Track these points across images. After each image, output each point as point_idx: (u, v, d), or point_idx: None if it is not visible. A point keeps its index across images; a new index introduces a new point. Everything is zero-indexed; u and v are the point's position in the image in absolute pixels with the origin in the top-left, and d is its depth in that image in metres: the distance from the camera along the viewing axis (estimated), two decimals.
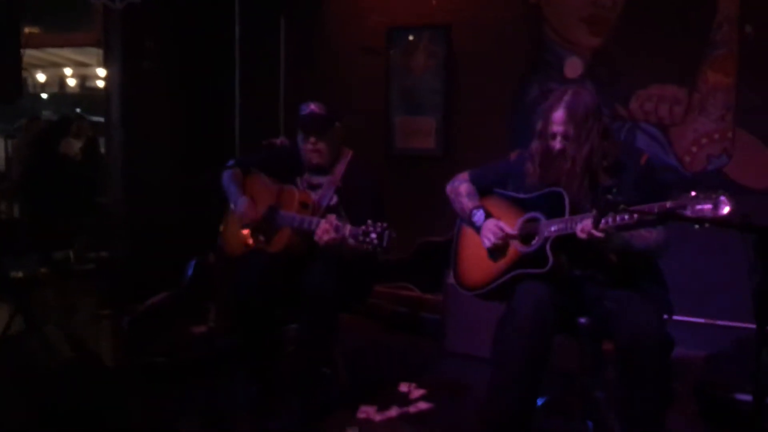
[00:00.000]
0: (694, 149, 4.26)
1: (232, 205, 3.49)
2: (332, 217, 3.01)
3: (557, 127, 2.71)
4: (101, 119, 7.07)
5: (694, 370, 3.50)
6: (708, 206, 2.15)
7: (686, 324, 3.88)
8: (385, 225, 2.78)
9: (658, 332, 2.50)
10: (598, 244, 2.57)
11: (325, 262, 3.15)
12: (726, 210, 2.14)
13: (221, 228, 3.62)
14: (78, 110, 8.58)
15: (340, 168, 3.38)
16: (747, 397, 3.10)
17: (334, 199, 3.32)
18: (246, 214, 3.35)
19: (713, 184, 4.14)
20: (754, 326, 3.85)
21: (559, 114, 2.70)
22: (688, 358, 3.61)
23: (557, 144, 2.73)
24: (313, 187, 3.39)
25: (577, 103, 2.70)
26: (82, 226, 6.08)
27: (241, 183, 3.52)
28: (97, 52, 6.02)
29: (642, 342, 2.48)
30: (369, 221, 2.81)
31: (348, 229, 2.88)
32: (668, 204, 2.29)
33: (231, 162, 3.58)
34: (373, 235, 2.76)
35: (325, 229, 2.98)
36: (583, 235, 2.54)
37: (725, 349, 3.69)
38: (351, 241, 2.89)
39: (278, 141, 3.46)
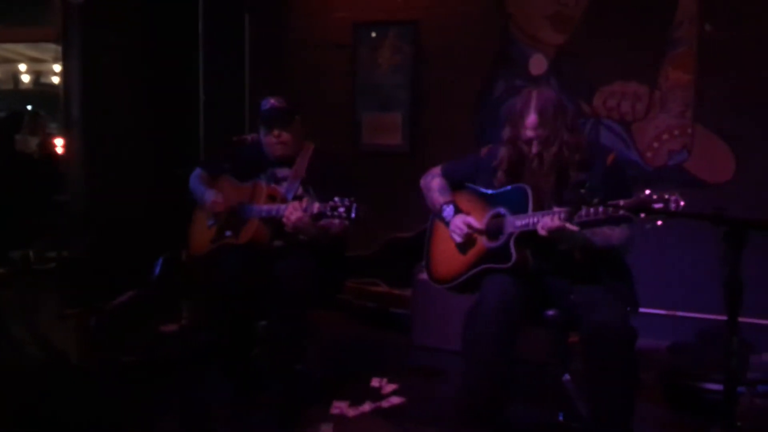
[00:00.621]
0: (656, 145, 4.37)
1: (200, 201, 3.48)
2: (298, 202, 3.05)
3: (531, 132, 2.74)
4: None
5: (658, 359, 3.59)
6: (660, 206, 2.18)
7: (650, 315, 3.99)
8: (352, 199, 2.82)
9: (621, 325, 2.56)
10: (560, 242, 2.62)
11: (298, 257, 3.17)
12: (678, 207, 2.16)
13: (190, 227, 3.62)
14: (29, 107, 8.38)
15: (304, 160, 3.42)
16: (711, 385, 3.21)
17: (300, 190, 3.35)
18: (216, 203, 3.37)
19: (674, 178, 4.27)
20: (713, 317, 4.00)
21: (532, 119, 2.73)
22: (653, 348, 3.71)
23: (534, 148, 2.76)
24: (278, 181, 3.41)
25: (546, 103, 2.74)
26: (40, 224, 5.96)
27: (209, 184, 3.53)
28: (54, 48, 5.89)
29: (605, 334, 2.54)
30: (336, 197, 2.84)
31: (316, 206, 2.91)
32: (621, 203, 2.32)
33: (198, 170, 3.58)
34: (341, 209, 2.81)
35: (293, 208, 3.02)
36: (543, 233, 2.59)
37: (687, 338, 3.79)
38: (322, 221, 2.94)
39: (249, 137, 3.45)
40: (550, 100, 2.76)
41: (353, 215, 2.80)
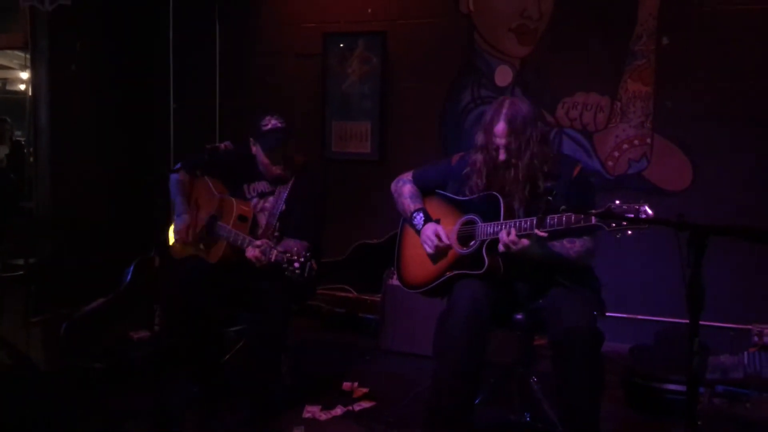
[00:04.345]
0: (616, 154, 4.50)
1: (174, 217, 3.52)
2: (264, 242, 3.07)
3: (500, 140, 2.81)
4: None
5: (619, 361, 3.69)
6: (630, 216, 2.22)
7: (611, 318, 4.10)
8: (308, 255, 2.86)
9: (589, 328, 2.64)
10: (519, 254, 2.67)
11: (275, 275, 3.20)
12: (648, 217, 2.20)
13: (170, 228, 3.64)
14: None
15: (290, 175, 3.44)
16: (671, 386, 3.33)
17: (283, 207, 3.38)
18: (180, 234, 3.42)
19: (634, 186, 4.40)
20: (672, 320, 4.12)
21: (500, 127, 2.80)
22: (614, 351, 3.82)
23: (501, 155, 2.83)
24: (263, 195, 3.44)
25: (516, 113, 2.81)
26: (6, 231, 5.92)
27: (188, 191, 3.56)
28: (21, 55, 5.85)
29: (573, 337, 2.61)
30: (295, 248, 2.89)
31: (274, 254, 2.93)
32: (593, 211, 2.36)
33: (178, 165, 3.58)
34: (296, 265, 2.84)
35: (253, 254, 3.04)
36: (502, 248, 2.67)
37: (647, 341, 3.90)
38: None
39: (222, 145, 3.46)
40: (521, 110, 2.82)
41: (306, 275, 2.84)
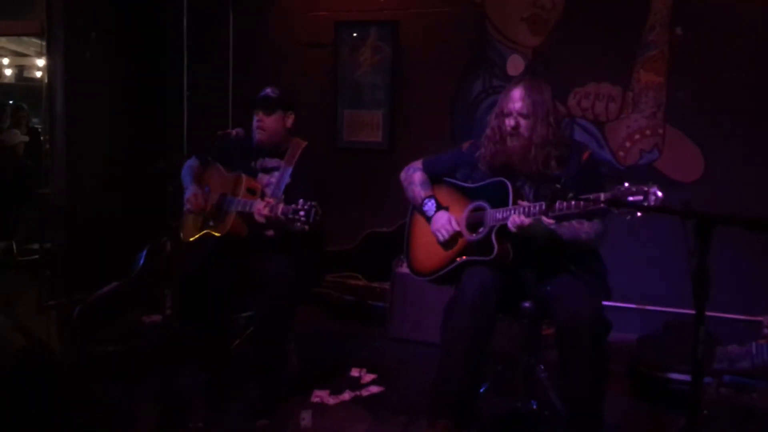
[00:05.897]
0: (628, 144, 4.50)
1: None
2: (268, 199, 3.14)
3: (514, 104, 2.85)
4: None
5: (626, 351, 3.70)
6: (639, 198, 2.22)
7: (619, 308, 4.12)
8: (313, 203, 2.91)
9: (596, 315, 2.65)
10: (528, 237, 2.71)
11: (283, 255, 3.25)
12: (657, 199, 2.21)
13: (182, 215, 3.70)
14: (11, 102, 8.38)
15: (295, 153, 3.49)
16: (678, 375, 3.33)
17: (289, 180, 3.43)
18: (190, 202, 3.46)
19: (645, 177, 4.39)
20: (682, 310, 4.11)
21: (517, 91, 2.85)
22: (622, 341, 3.82)
23: (511, 121, 2.85)
24: (268, 170, 3.48)
25: (534, 85, 2.87)
26: (22, 217, 5.99)
27: (198, 174, 3.61)
28: (37, 42, 5.90)
29: (580, 325, 2.62)
30: (300, 200, 2.93)
31: (281, 208, 3.00)
32: (602, 196, 2.36)
33: (191, 159, 3.68)
34: (302, 213, 2.89)
35: (259, 209, 3.11)
36: (513, 229, 2.69)
37: (656, 331, 3.90)
38: (283, 218, 3.02)
39: (233, 131, 3.52)
40: (540, 87, 2.88)
41: (311, 220, 2.89)
